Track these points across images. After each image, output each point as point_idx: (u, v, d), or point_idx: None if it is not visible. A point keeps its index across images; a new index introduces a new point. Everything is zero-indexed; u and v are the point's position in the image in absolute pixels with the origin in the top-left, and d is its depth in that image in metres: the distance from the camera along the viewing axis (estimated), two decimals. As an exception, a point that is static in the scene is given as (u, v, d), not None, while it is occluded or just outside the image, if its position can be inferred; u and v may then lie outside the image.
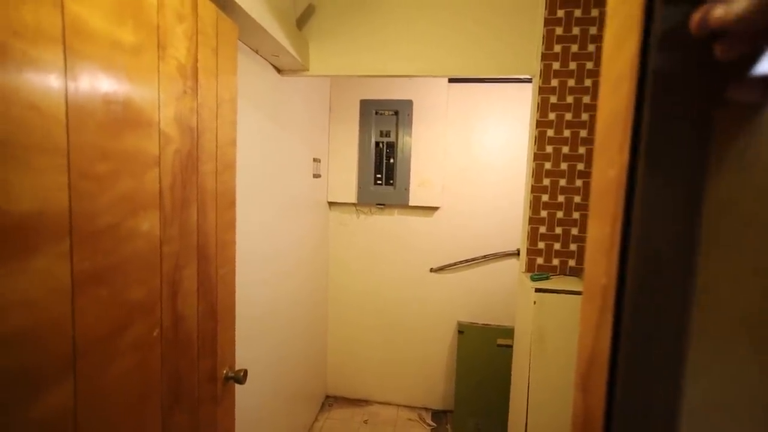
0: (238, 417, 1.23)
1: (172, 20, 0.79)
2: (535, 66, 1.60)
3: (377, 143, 2.60)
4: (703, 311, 0.27)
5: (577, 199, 1.61)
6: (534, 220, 1.64)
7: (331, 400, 2.80)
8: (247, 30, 1.29)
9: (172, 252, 0.83)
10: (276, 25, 1.37)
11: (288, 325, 2.02)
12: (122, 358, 0.70)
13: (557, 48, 1.56)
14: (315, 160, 2.36)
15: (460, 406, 2.46)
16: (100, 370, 0.65)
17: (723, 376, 0.27)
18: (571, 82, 1.56)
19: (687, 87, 0.27)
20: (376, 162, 2.61)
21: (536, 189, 1.62)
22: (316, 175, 2.40)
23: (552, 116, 1.59)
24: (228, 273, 1.10)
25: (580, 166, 1.59)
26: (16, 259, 0.50)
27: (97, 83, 0.61)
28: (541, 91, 1.59)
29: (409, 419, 2.63)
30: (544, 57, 1.57)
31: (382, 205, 2.66)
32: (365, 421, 2.59)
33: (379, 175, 2.61)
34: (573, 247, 1.62)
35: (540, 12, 1.57)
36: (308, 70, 1.74)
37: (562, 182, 1.60)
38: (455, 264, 2.61)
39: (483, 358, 2.43)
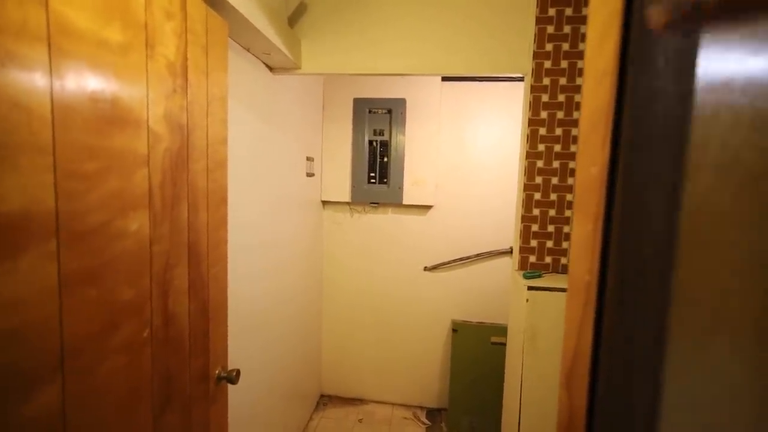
0: (231, 416, 1.23)
1: (161, 18, 0.79)
2: (527, 64, 1.60)
3: (371, 142, 2.60)
4: (683, 308, 0.27)
5: (569, 197, 1.62)
6: (526, 218, 1.64)
7: (325, 399, 2.80)
8: (238, 27, 1.28)
9: (162, 251, 0.83)
10: (267, 22, 1.37)
11: (282, 324, 2.01)
12: (112, 359, 0.69)
13: (549, 46, 1.56)
14: (308, 158, 2.35)
15: (454, 404, 2.47)
16: (89, 370, 0.64)
17: (702, 372, 0.28)
18: (563, 81, 1.57)
19: (666, 84, 0.27)
20: (369, 161, 2.61)
21: (528, 187, 1.63)
22: (310, 174, 2.39)
23: (544, 115, 1.60)
24: (220, 271, 1.09)
25: (572, 164, 1.60)
26: (2, 259, 0.49)
27: (84, 82, 0.61)
28: (533, 89, 1.59)
29: (404, 418, 2.64)
30: (536, 55, 1.58)
31: (375, 204, 2.66)
32: (360, 420, 2.59)
33: (372, 174, 2.61)
34: (565, 245, 1.63)
35: (531, 10, 1.57)
36: (300, 68, 1.73)
37: (554, 180, 1.61)
38: (449, 262, 2.62)
39: (477, 356, 2.44)
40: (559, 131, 1.59)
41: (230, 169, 1.19)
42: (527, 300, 1.49)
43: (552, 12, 1.55)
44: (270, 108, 1.75)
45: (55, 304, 0.57)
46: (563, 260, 1.64)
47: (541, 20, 1.56)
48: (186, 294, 0.93)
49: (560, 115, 1.59)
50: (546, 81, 1.58)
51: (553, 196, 1.62)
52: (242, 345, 1.53)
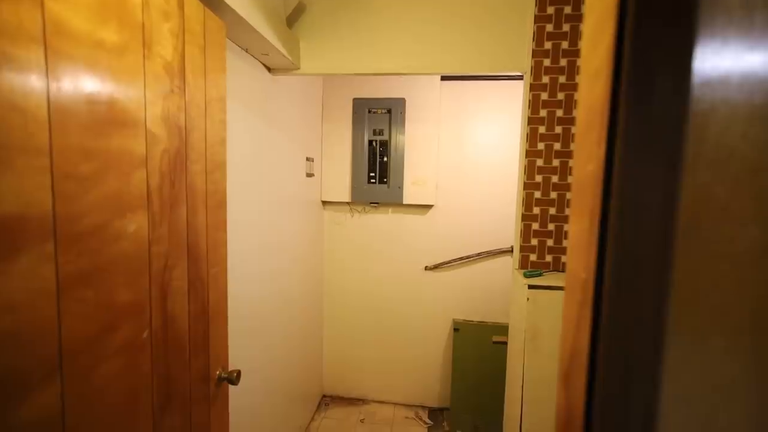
0: (232, 417, 1.22)
1: (158, 18, 0.79)
2: (526, 63, 1.60)
3: (370, 142, 2.60)
4: (681, 304, 0.27)
5: (569, 195, 1.61)
6: (527, 217, 1.64)
7: (327, 400, 2.80)
8: (236, 28, 1.28)
9: (161, 252, 0.82)
10: (265, 23, 1.37)
11: (283, 325, 2.01)
12: (111, 360, 0.69)
13: (548, 45, 1.56)
14: (308, 159, 2.35)
15: (456, 403, 2.47)
16: (88, 372, 0.64)
17: (700, 369, 0.27)
18: (562, 79, 1.57)
19: (662, 79, 0.27)
20: (369, 160, 2.61)
21: (528, 185, 1.63)
22: (310, 174, 2.39)
23: (543, 113, 1.59)
24: (219, 272, 1.09)
25: (572, 162, 1.59)
26: (-2, 261, 0.49)
27: (80, 83, 0.61)
28: (533, 88, 1.59)
29: (406, 417, 2.63)
30: (535, 54, 1.57)
31: (376, 204, 2.66)
32: (362, 420, 2.59)
33: (372, 174, 2.61)
34: (566, 243, 1.63)
35: (530, 9, 1.57)
36: (299, 68, 1.73)
37: (554, 179, 1.61)
38: (450, 262, 2.62)
39: (479, 355, 2.44)
40: (558, 129, 1.59)
41: (229, 170, 1.19)
42: (528, 299, 1.49)
43: (551, 10, 1.55)
44: (269, 108, 1.74)
45: (53, 306, 0.57)
46: (564, 259, 1.64)
47: (540, 18, 1.55)
48: (185, 295, 0.93)
49: (560, 113, 1.58)
50: (545, 79, 1.58)
51: (553, 195, 1.61)
52: (243, 346, 1.53)
